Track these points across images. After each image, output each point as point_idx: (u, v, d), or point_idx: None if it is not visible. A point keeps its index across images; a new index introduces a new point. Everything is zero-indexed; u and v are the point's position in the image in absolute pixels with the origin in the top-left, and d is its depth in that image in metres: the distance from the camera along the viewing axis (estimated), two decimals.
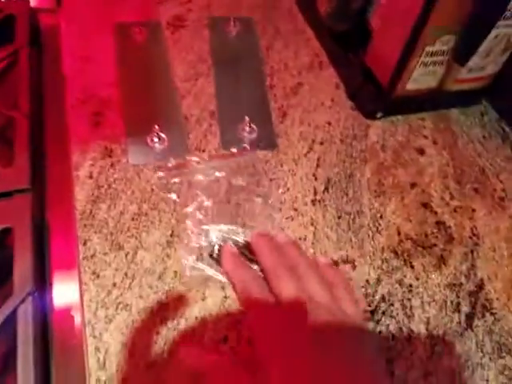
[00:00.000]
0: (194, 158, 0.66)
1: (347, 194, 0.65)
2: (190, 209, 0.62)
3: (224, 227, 0.60)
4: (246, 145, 0.67)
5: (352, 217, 0.62)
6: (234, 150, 0.68)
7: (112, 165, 0.66)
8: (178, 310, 0.55)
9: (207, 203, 0.62)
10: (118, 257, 0.58)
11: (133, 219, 0.61)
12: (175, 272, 0.58)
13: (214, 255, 0.58)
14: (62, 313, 0.56)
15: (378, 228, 0.62)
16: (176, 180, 0.64)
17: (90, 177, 0.66)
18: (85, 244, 0.60)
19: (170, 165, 0.66)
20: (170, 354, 0.52)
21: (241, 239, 0.59)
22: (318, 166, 0.67)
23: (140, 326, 0.53)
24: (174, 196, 0.63)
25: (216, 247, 0.58)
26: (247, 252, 0.58)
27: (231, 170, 0.66)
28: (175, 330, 0.54)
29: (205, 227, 0.60)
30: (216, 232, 0.60)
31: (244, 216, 0.60)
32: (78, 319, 0.55)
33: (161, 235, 0.60)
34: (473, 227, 0.63)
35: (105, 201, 0.63)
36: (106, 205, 0.63)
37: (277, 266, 0.51)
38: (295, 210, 0.62)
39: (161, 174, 0.65)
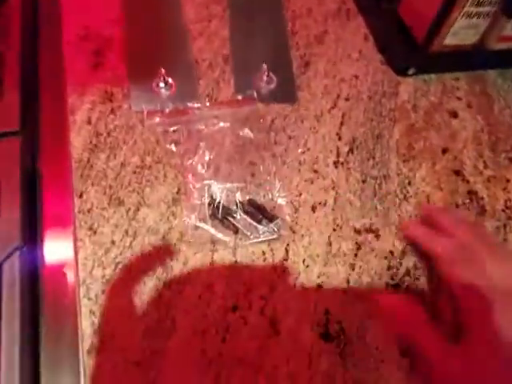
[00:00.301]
0: (195, 105, 0.59)
1: (373, 157, 0.59)
2: (190, 161, 0.55)
3: (230, 185, 0.55)
4: (256, 94, 0.59)
5: (378, 182, 0.58)
6: (239, 97, 0.60)
7: (112, 110, 0.60)
8: (182, 272, 0.49)
9: (209, 156, 0.56)
10: (117, 212, 0.53)
11: (135, 172, 0.55)
12: (181, 232, 0.52)
13: (219, 216, 0.51)
14: (54, 270, 0.50)
15: (405, 195, 0.57)
16: (174, 128, 0.57)
17: (88, 122, 0.59)
18: (81, 196, 0.54)
19: (167, 110, 0.58)
20: (173, 322, 0.46)
21: (244, 198, 0.54)
22: (342, 123, 0.62)
23: (140, 289, 0.48)
24: (173, 147, 0.56)
25: (220, 207, 0.52)
26: (257, 212, 0.52)
27: (238, 121, 0.59)
28: (180, 294, 0.48)
29: (207, 182, 0.54)
30: (220, 189, 0.54)
31: (255, 175, 0.56)
32: (71, 277, 0.49)
33: (166, 192, 0.54)
34: (507, 199, 0.57)
35: (104, 150, 0.57)
36: (105, 154, 0.57)
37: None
38: (315, 171, 0.58)
39: (157, 119, 0.58)
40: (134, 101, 0.60)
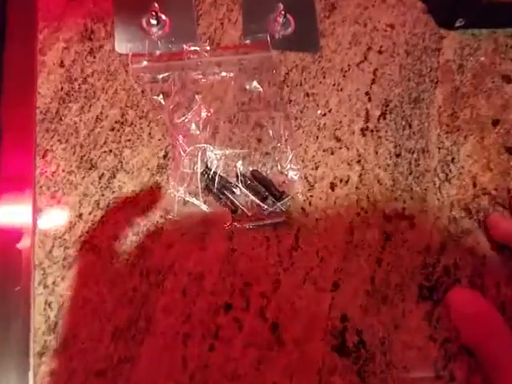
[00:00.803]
0: (192, 48, 0.47)
1: (410, 125, 0.49)
2: (182, 119, 0.44)
3: (230, 151, 0.44)
4: (269, 39, 0.48)
5: (415, 157, 0.48)
6: (248, 42, 0.49)
7: (91, 51, 0.49)
8: (164, 259, 0.39)
9: (206, 113, 0.45)
10: (88, 178, 0.43)
11: (113, 129, 0.45)
12: (165, 209, 0.43)
13: (214, 189, 0.41)
14: (5, 247, 0.40)
15: (447, 175, 0.47)
16: (165, 75, 0.46)
17: (61, 65, 0.48)
18: (44, 156, 0.43)
19: (158, 53, 0.47)
20: (148, 322, 0.37)
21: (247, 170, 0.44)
22: (373, 82, 0.51)
23: (110, 278, 0.38)
24: (161, 99, 0.45)
25: (216, 178, 0.43)
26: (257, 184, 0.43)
27: (244, 71, 0.48)
28: (159, 286, 0.38)
29: (201, 146, 0.44)
30: (217, 156, 0.44)
31: (262, 141, 0.46)
32: (25, 257, 0.39)
33: (150, 156, 0.44)
34: None
35: (77, 100, 0.47)
36: (77, 105, 0.47)
37: None
38: (337, 139, 0.48)
39: (145, 63, 0.46)
40: (119, 40, 0.49)
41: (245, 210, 0.43)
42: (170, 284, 0.39)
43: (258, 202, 0.43)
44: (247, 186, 0.44)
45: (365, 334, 0.40)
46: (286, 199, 0.43)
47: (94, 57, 0.49)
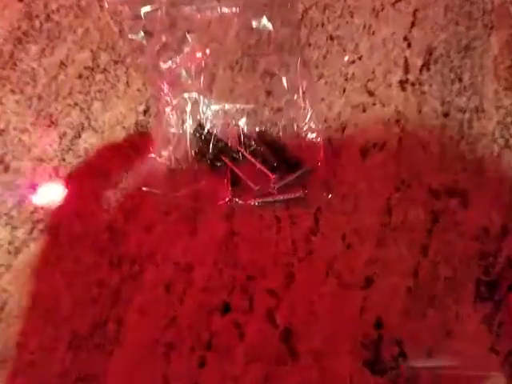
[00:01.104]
0: None
1: (460, 79, 0.40)
2: (170, 63, 0.37)
3: (231, 106, 0.37)
4: None
5: (467, 117, 0.39)
6: None
7: None
8: (143, 244, 0.30)
9: (201, 57, 0.37)
10: (46, 138, 0.36)
11: (80, 77, 0.39)
12: (145, 178, 0.33)
13: (208, 155, 0.35)
14: None
15: (507, 141, 0.38)
16: (148, 10, 0.37)
17: None
18: None
19: None
20: (119, 325, 0.29)
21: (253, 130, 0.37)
22: (413, 25, 0.42)
23: (71, 269, 0.32)
24: (143, 39, 0.37)
25: (212, 140, 0.35)
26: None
27: (251, 5, 0.39)
28: (135, 279, 0.31)
29: (191, 97, 0.36)
30: (213, 112, 0.36)
31: (272, 93, 0.38)
32: None
33: (126, 110, 0.38)
34: None
35: (37, 41, 0.40)
36: (37, 47, 0.40)
37: None
38: (370, 93, 0.39)
39: None
40: None
41: (249, 182, 0.35)
42: (149, 277, 0.32)
43: (266, 171, 0.35)
44: (252, 152, 0.36)
45: (406, 345, 0.33)
46: (304, 169, 0.36)
47: None
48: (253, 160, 0.35)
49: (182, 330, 0.30)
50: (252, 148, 0.36)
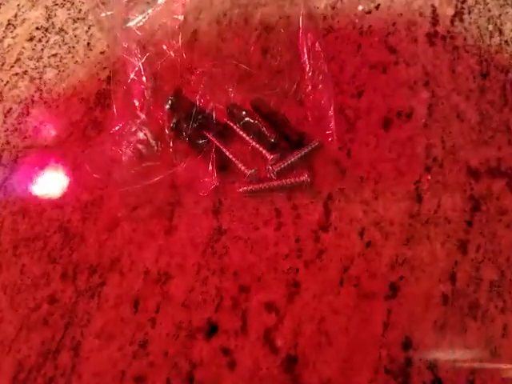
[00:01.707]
0: None
1: (500, 31, 0.34)
2: (139, 17, 0.30)
3: (216, 69, 0.30)
4: None
5: (510, 77, 0.32)
6: None
7: None
8: (106, 247, 0.26)
9: (179, 9, 0.30)
10: None
11: (31, 39, 0.37)
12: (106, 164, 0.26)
13: (188, 131, 0.28)
14: None
15: None
16: None
17: None
18: None
19: None
20: (76, 352, 0.23)
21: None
22: None
23: (15, 282, 0.26)
24: None
25: (193, 112, 0.28)
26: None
27: None
28: (93, 297, 0.26)
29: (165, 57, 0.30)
30: (194, 76, 0.30)
31: (268, 50, 0.32)
32: None
33: (87, 78, 0.31)
34: None
35: None
36: None
37: None
38: (391, 50, 0.33)
39: None
40: None
41: (240, 165, 0.29)
42: (112, 291, 0.26)
43: (261, 150, 0.29)
44: (244, 126, 0.30)
45: (442, 369, 0.26)
46: (310, 146, 0.30)
47: None
48: (245, 136, 0.29)
49: (156, 359, 0.24)
50: (244, 121, 0.30)
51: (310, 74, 0.31)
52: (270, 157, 0.29)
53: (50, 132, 0.28)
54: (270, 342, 0.26)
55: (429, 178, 0.30)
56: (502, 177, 0.30)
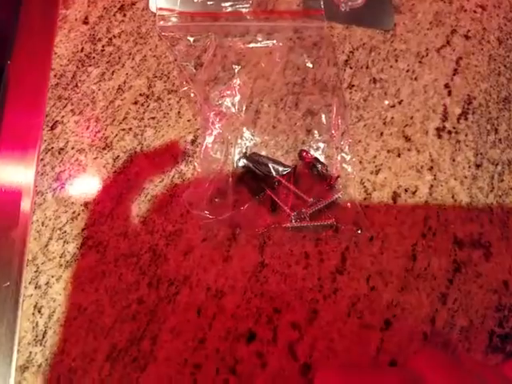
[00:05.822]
0: (234, 7, 0.39)
1: (496, 131, 0.41)
2: (216, 93, 0.37)
3: (273, 141, 0.37)
4: (334, 11, 0.39)
5: (498, 170, 0.39)
6: (315, 6, 0.40)
7: (122, 8, 0.43)
8: (180, 267, 0.32)
9: (248, 89, 0.38)
10: (100, 160, 0.37)
11: (136, 103, 0.38)
12: (189, 203, 0.34)
13: (251, 183, 0.34)
14: None
15: None
16: (198, 37, 0.38)
17: (85, 21, 0.42)
18: (53, 128, 0.37)
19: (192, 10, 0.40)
20: (154, 343, 0.30)
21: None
22: (455, 72, 0.43)
23: (114, 285, 0.33)
24: (192, 66, 0.38)
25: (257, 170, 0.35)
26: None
27: (299, 44, 0.40)
28: (170, 302, 0.31)
29: (235, 128, 0.37)
30: (256, 145, 0.37)
31: (311, 131, 0.38)
32: (18, 249, 0.33)
33: (177, 139, 0.35)
34: None
35: (98, 64, 0.40)
36: (98, 71, 0.41)
37: None
38: (407, 139, 0.40)
39: (173, 20, 0.39)
40: None
41: (285, 208, 0.35)
42: (183, 299, 0.32)
43: (301, 195, 0.35)
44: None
45: None
46: (336, 196, 0.36)
47: (124, 15, 0.42)
48: (290, 186, 0.35)
49: (210, 352, 0.31)
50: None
51: (340, 154, 0.37)
52: (308, 199, 0.35)
53: (146, 177, 0.37)
54: (292, 352, 0.31)
55: (423, 242, 0.35)
56: (481, 248, 0.35)
